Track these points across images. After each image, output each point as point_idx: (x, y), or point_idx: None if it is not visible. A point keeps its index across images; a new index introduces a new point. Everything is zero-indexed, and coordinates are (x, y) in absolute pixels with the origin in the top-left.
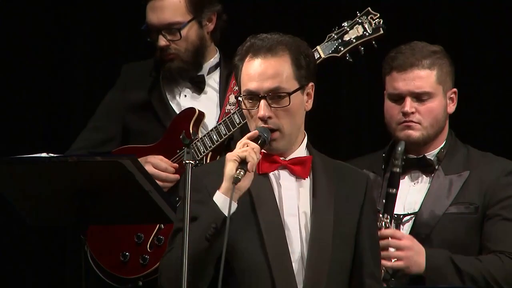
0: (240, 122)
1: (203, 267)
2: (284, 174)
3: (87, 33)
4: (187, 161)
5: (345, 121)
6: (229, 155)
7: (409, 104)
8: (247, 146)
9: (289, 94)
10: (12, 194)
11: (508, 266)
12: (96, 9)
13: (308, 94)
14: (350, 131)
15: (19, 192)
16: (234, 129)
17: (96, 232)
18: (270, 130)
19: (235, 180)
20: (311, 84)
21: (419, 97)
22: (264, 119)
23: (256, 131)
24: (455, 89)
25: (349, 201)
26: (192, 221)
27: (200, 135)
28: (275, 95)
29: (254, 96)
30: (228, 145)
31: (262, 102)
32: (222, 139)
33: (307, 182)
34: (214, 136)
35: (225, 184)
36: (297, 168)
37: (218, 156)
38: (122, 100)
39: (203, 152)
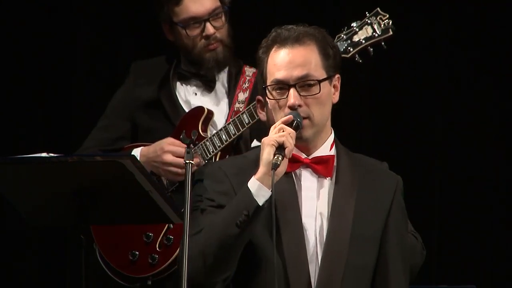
0: (249, 122)
1: (230, 253)
2: (305, 174)
3: (89, 32)
4: (187, 161)
5: (345, 120)
6: (266, 140)
7: None
8: (283, 131)
9: (319, 81)
10: (12, 194)
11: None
12: (98, 9)
13: (334, 86)
14: (351, 128)
15: (19, 192)
16: (243, 129)
17: (105, 231)
18: None
19: (275, 166)
20: (337, 75)
21: None
22: (294, 108)
23: (290, 115)
24: None
25: (375, 203)
26: (218, 208)
27: (209, 133)
28: (305, 83)
29: (283, 86)
30: (237, 144)
31: (292, 90)
32: (231, 138)
33: (328, 182)
34: (223, 136)
35: (262, 169)
36: (319, 168)
37: (227, 156)
38: (131, 98)
39: (212, 152)
